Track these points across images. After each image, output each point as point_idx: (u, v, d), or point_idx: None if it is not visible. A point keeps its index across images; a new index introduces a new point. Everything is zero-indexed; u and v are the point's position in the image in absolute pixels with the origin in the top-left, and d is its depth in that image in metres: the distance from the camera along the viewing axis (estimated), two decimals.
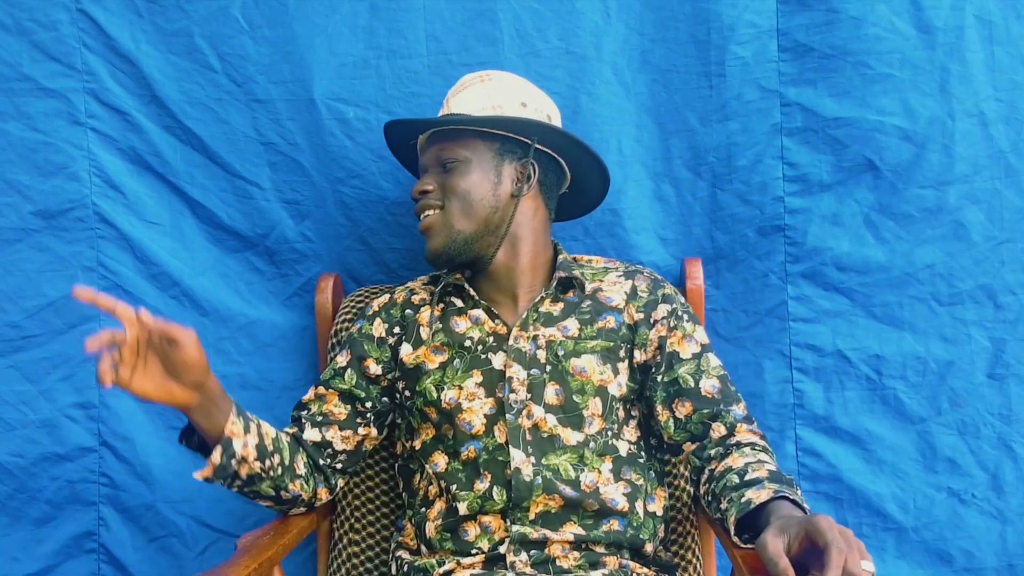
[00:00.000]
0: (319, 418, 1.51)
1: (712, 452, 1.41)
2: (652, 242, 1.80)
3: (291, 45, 1.76)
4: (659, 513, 1.48)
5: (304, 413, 1.53)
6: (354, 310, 1.71)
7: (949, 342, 1.77)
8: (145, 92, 1.78)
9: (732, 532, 1.26)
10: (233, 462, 1.35)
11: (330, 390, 1.53)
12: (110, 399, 1.79)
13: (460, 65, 1.75)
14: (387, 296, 1.60)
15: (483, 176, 1.48)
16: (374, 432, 1.55)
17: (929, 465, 1.77)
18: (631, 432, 1.49)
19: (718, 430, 1.42)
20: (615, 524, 1.42)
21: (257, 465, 1.38)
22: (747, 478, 1.28)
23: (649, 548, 1.45)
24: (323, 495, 1.54)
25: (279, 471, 1.43)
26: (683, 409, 1.45)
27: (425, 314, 1.53)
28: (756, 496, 1.22)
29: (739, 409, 1.44)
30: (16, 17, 1.75)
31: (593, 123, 1.76)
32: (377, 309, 1.58)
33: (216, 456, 1.33)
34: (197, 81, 1.77)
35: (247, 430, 1.37)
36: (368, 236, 1.79)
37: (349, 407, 1.52)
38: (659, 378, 1.47)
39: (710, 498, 1.36)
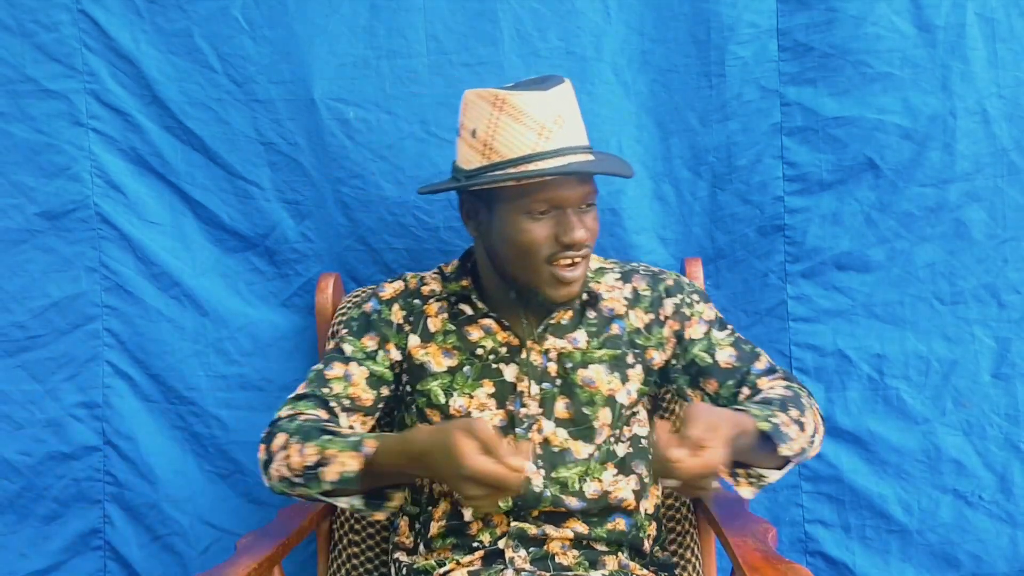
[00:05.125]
0: (346, 402, 1.42)
1: None
2: (652, 242, 1.79)
3: (291, 45, 1.76)
4: (650, 511, 1.48)
5: (329, 394, 1.42)
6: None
7: (952, 341, 1.76)
8: (146, 92, 1.78)
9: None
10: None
11: (362, 367, 1.45)
12: (113, 399, 1.81)
13: (460, 65, 1.75)
14: (401, 282, 1.53)
15: None
16: (372, 422, 1.50)
17: (934, 466, 1.76)
18: (635, 426, 1.48)
19: (744, 393, 1.44)
20: (621, 523, 1.42)
21: None
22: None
23: (647, 546, 1.45)
24: None
25: None
26: (711, 387, 1.46)
27: (434, 306, 1.49)
28: None
29: (759, 364, 1.45)
30: (18, 18, 1.76)
31: (593, 123, 1.73)
32: (393, 295, 1.51)
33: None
34: (197, 81, 1.77)
35: None
36: (368, 236, 1.79)
37: (375, 393, 1.45)
38: (678, 365, 1.47)
39: None
